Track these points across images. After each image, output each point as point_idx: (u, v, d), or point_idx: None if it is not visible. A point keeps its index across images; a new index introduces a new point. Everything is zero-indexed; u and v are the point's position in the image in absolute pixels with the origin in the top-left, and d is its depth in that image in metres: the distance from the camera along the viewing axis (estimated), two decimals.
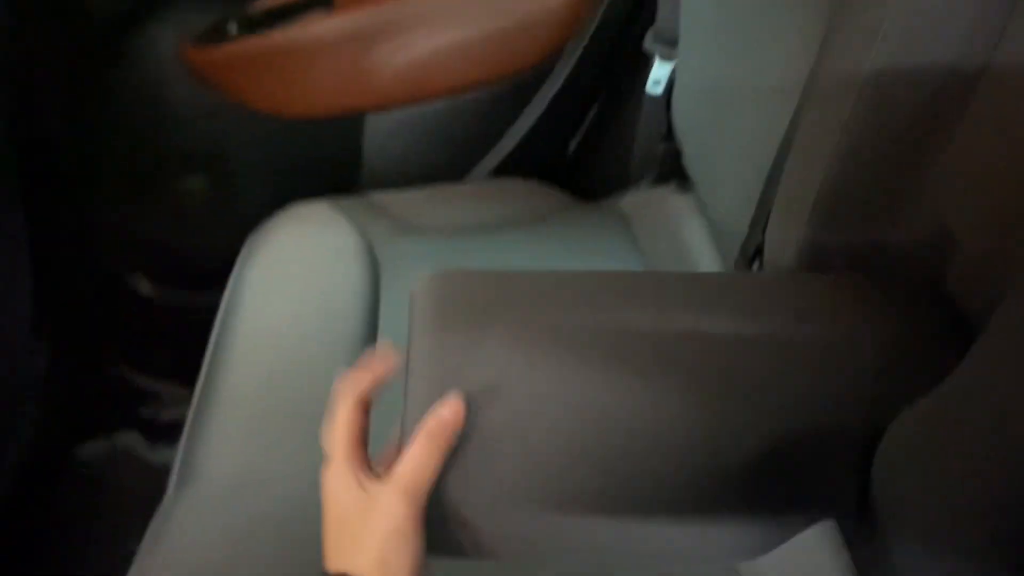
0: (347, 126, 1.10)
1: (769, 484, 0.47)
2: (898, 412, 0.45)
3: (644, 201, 0.99)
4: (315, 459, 0.73)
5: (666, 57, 0.91)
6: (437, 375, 0.46)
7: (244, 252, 0.96)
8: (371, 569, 0.42)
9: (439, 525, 0.45)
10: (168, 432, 1.32)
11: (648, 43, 0.93)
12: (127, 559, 1.11)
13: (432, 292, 0.50)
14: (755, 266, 0.62)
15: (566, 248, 0.93)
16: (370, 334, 0.85)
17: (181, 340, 1.29)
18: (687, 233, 0.91)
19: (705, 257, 0.85)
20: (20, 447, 1.08)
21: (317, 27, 1.05)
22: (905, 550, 0.45)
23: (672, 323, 0.48)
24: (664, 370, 0.47)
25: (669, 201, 0.95)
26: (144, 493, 1.29)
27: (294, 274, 0.92)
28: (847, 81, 0.50)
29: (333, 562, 0.45)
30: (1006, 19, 0.46)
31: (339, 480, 0.46)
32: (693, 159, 0.84)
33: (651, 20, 0.93)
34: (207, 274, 1.20)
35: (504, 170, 1.11)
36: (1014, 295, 0.37)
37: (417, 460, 0.43)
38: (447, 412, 0.44)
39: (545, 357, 0.46)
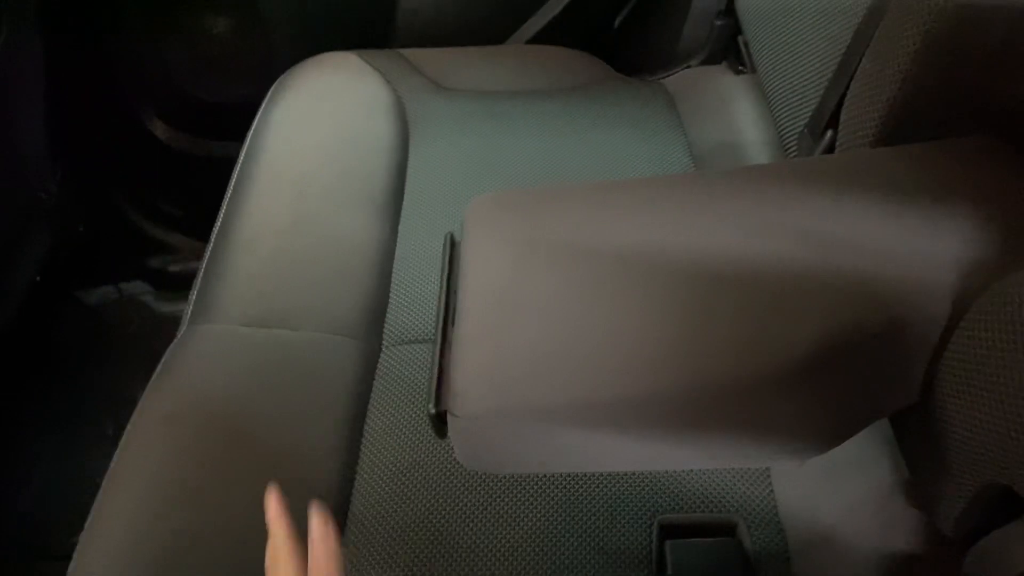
0: None
1: (830, 376, 0.44)
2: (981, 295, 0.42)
3: (692, 79, 0.94)
4: (330, 303, 0.72)
5: None
6: (487, 295, 0.45)
7: (269, 97, 0.92)
8: None
9: (480, 439, 0.42)
10: (175, 282, 1.31)
11: None
12: (129, 403, 1.11)
13: (482, 215, 0.50)
14: (827, 136, 0.58)
15: (606, 120, 0.88)
16: (396, 191, 0.82)
17: (195, 190, 1.26)
18: (736, 115, 0.86)
19: (753, 138, 0.81)
20: (29, 272, 1.06)
21: None
22: (962, 442, 0.43)
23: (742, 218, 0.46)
24: (717, 258, 0.45)
25: (720, 81, 0.90)
26: (148, 341, 1.29)
27: (319, 123, 0.88)
28: None
29: None
30: None
31: None
32: (757, 35, 0.79)
33: None
34: (225, 123, 1.16)
35: (546, 38, 1.05)
36: None
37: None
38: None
39: (588, 277, 0.45)
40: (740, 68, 0.91)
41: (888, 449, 0.57)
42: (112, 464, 0.61)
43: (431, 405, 0.43)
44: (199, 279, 0.74)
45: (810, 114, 0.63)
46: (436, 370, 0.44)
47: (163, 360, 0.68)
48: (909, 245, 0.44)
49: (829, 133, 0.58)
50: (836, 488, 0.57)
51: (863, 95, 0.53)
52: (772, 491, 0.57)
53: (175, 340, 0.70)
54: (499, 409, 0.41)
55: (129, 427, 0.62)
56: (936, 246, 0.44)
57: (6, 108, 0.94)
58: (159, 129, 1.19)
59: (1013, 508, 0.41)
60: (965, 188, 0.47)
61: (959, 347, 0.43)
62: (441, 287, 0.49)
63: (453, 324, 0.46)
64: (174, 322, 1.35)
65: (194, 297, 0.73)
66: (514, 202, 0.51)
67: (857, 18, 0.60)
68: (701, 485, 0.58)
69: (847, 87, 0.56)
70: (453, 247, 0.51)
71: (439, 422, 0.43)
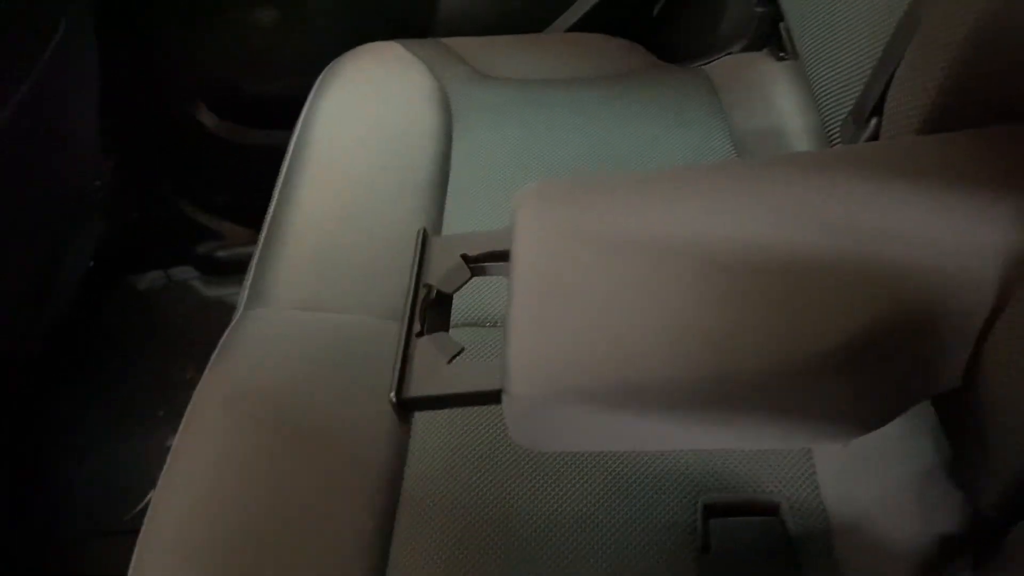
0: None
1: (874, 360, 0.45)
2: None
3: (734, 66, 0.94)
4: (378, 288, 0.74)
5: None
6: (538, 280, 0.46)
7: (317, 87, 0.94)
8: None
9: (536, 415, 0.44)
10: (222, 268, 1.34)
11: None
12: (177, 384, 1.14)
13: (531, 204, 0.51)
14: (872, 124, 0.58)
15: (647, 107, 0.89)
16: (440, 180, 0.84)
17: (242, 178, 1.29)
18: (778, 101, 0.87)
19: (795, 125, 0.82)
20: (84, 259, 1.10)
21: None
22: (1007, 425, 0.44)
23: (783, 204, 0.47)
24: (764, 243, 0.46)
25: (761, 67, 0.91)
26: (195, 325, 1.32)
27: (366, 112, 0.90)
28: None
29: None
30: None
31: None
32: (800, 21, 0.79)
33: None
34: (271, 112, 1.19)
35: (586, 26, 1.06)
36: None
37: None
38: None
39: (635, 264, 0.46)
40: (782, 55, 0.91)
41: (931, 431, 0.58)
42: (174, 443, 0.64)
43: (392, 393, 0.46)
44: (253, 265, 0.77)
45: (854, 101, 0.63)
46: (399, 359, 0.47)
47: (220, 343, 0.70)
48: (954, 233, 0.45)
49: (874, 120, 0.59)
50: (878, 470, 0.58)
51: (909, 81, 0.54)
52: (814, 472, 0.58)
53: (231, 324, 0.73)
54: (551, 389, 0.43)
55: (190, 408, 0.65)
56: (981, 233, 0.45)
57: (63, 101, 0.97)
58: (207, 119, 1.22)
59: None
60: (1011, 177, 0.47)
61: (1004, 332, 0.43)
62: (411, 280, 0.51)
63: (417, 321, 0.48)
64: (220, 307, 1.39)
65: (249, 282, 0.76)
66: (561, 191, 0.53)
67: (904, 2, 0.60)
68: (744, 466, 0.59)
69: (893, 73, 0.56)
70: (424, 242, 0.53)
71: (400, 408, 0.46)
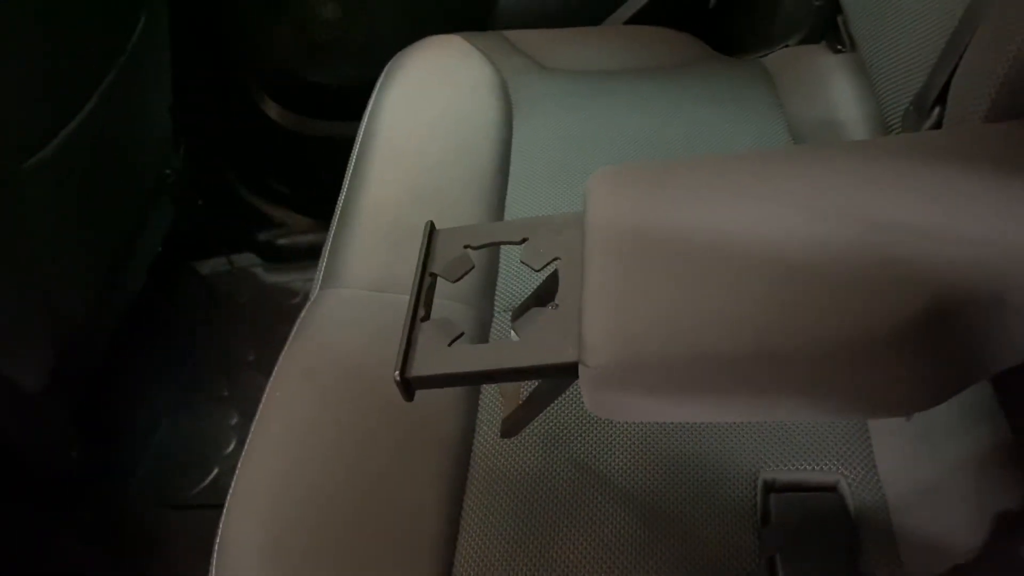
0: None
1: (941, 336, 0.47)
2: None
3: (791, 58, 0.95)
4: None
5: None
6: (612, 258, 0.49)
7: (382, 80, 0.97)
8: None
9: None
10: (283, 255, 1.38)
11: None
12: (240, 366, 1.18)
13: (604, 186, 0.53)
14: (934, 113, 0.60)
15: (705, 98, 0.91)
16: (502, 167, 0.86)
17: (304, 168, 1.33)
18: (836, 93, 0.88)
19: (854, 115, 0.83)
20: (155, 244, 1.15)
21: None
22: None
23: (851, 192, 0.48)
24: (837, 221, 0.48)
25: (818, 60, 0.92)
26: (257, 310, 1.37)
27: (430, 103, 0.93)
28: None
29: None
30: None
31: None
32: (860, 14, 0.80)
33: None
34: (333, 104, 1.23)
35: (643, 18, 1.08)
36: None
37: None
38: None
39: (706, 243, 0.49)
40: (839, 47, 0.92)
41: (988, 410, 0.59)
42: (257, 415, 0.67)
43: (396, 372, 0.48)
44: (327, 247, 0.80)
45: (916, 91, 0.64)
46: (404, 341, 0.50)
47: (299, 320, 0.74)
48: (1018, 220, 0.46)
49: (937, 109, 0.60)
50: (935, 448, 0.59)
51: (976, 68, 0.55)
52: (872, 450, 0.60)
53: (309, 302, 0.76)
54: (626, 361, 0.45)
55: (272, 381, 0.69)
56: None
57: (141, 92, 1.02)
58: (272, 110, 1.26)
59: None
60: None
61: None
62: (416, 269, 0.54)
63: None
64: (281, 292, 1.42)
65: (323, 264, 0.79)
66: (633, 174, 0.55)
67: None
68: (803, 442, 0.61)
69: (958, 62, 0.57)
70: (431, 234, 0.57)
71: (404, 387, 0.49)
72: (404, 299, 0.74)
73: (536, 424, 0.64)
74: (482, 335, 0.72)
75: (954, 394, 0.49)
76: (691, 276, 0.48)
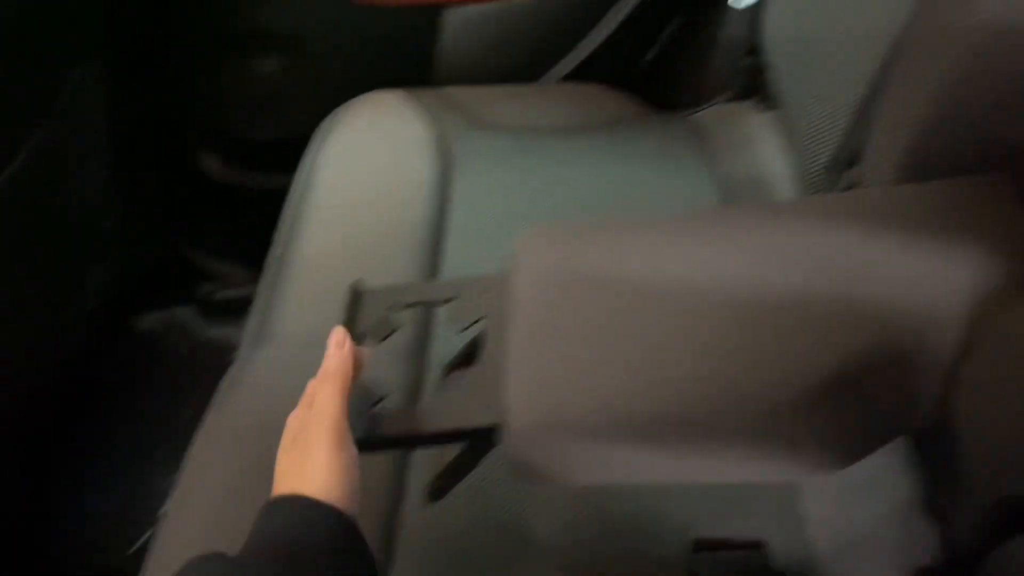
0: (425, 17, 1.09)
1: (853, 399, 0.48)
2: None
3: (721, 116, 0.98)
4: None
5: None
6: (535, 319, 0.50)
7: (319, 135, 0.97)
8: (316, 474, 0.44)
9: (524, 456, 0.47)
10: (224, 310, 1.36)
11: None
12: (176, 425, 1.15)
13: (531, 246, 0.55)
14: (850, 172, 0.62)
15: (638, 155, 0.92)
16: (439, 224, 0.87)
17: (243, 221, 1.32)
18: (763, 150, 0.90)
19: (779, 173, 0.85)
20: (87, 306, 1.12)
21: None
22: (978, 460, 0.46)
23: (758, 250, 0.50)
24: (750, 284, 0.49)
25: (747, 117, 0.94)
26: (195, 365, 1.34)
27: (367, 159, 0.93)
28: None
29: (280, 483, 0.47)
30: None
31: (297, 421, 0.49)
32: (782, 75, 0.83)
33: None
34: (273, 158, 1.22)
35: (580, 75, 1.10)
36: None
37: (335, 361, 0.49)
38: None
39: (626, 305, 0.50)
40: (767, 105, 0.94)
41: (909, 465, 0.60)
42: (179, 478, 0.65)
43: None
44: (256, 305, 0.79)
45: (833, 150, 0.66)
46: None
47: (224, 381, 0.72)
48: (926, 277, 0.48)
49: (852, 169, 0.62)
50: (860, 504, 0.60)
51: (886, 132, 0.57)
52: (800, 506, 0.60)
53: (235, 362, 0.75)
54: (547, 425, 0.45)
55: (194, 445, 0.67)
56: (951, 278, 0.48)
57: (73, 145, 1.00)
58: (210, 163, 1.25)
59: None
60: (979, 224, 0.50)
61: (972, 370, 0.46)
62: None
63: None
64: (220, 347, 1.40)
65: (251, 323, 0.78)
66: (559, 235, 0.55)
67: (882, 53, 0.63)
68: (734, 500, 0.61)
69: (870, 123, 0.59)
70: (355, 295, 0.57)
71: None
72: None
73: (466, 483, 0.64)
74: (416, 393, 0.72)
75: (872, 451, 0.50)
76: (613, 338, 0.48)
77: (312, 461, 0.45)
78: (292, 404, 0.68)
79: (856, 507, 0.60)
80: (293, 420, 0.50)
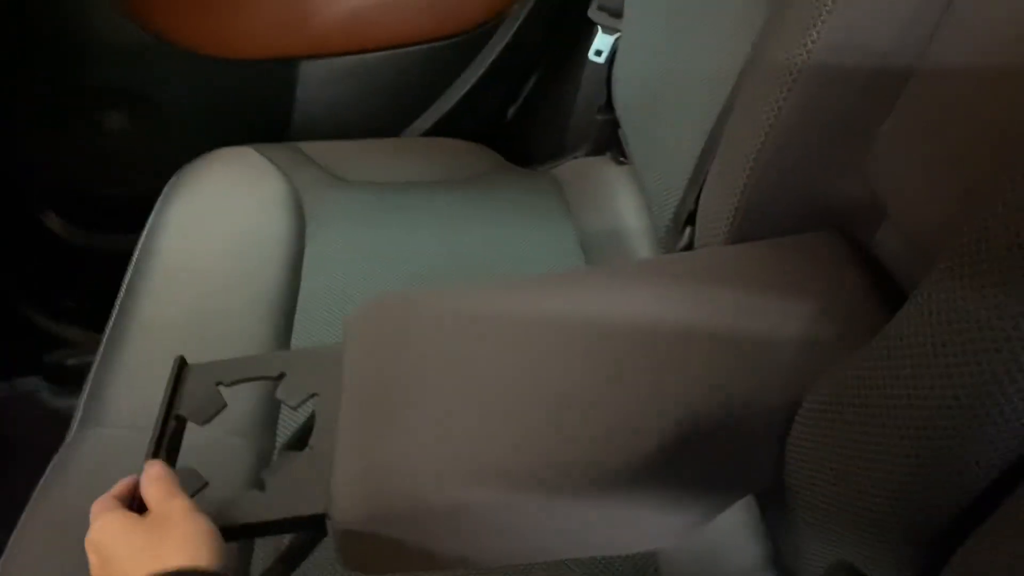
0: (280, 71, 1.07)
1: (690, 461, 0.48)
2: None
3: (578, 170, 0.99)
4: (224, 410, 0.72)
5: (610, 28, 0.91)
6: (363, 401, 0.48)
7: (165, 193, 0.93)
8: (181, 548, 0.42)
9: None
10: (72, 377, 1.28)
11: (593, 12, 0.93)
12: (17, 507, 1.06)
13: (362, 323, 0.53)
14: (686, 232, 0.62)
15: (498, 209, 0.92)
16: (292, 285, 0.84)
17: (91, 284, 1.24)
18: (620, 204, 0.91)
19: (635, 226, 0.86)
20: None
21: None
22: (812, 522, 0.47)
23: (597, 309, 0.50)
24: (585, 354, 0.49)
25: (603, 171, 0.96)
26: (44, 438, 1.25)
27: (216, 218, 0.89)
28: (784, 67, 0.51)
29: None
30: (939, 19, 0.47)
31: (116, 522, 0.46)
32: (630, 131, 0.84)
33: None
34: (122, 217, 1.16)
35: (440, 130, 1.10)
36: (926, 283, 0.38)
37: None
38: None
39: (456, 381, 0.49)
40: (621, 159, 0.96)
41: (759, 526, 0.61)
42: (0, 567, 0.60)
43: None
44: (90, 381, 0.74)
45: (675, 207, 0.67)
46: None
47: (51, 464, 0.67)
48: (753, 337, 0.48)
49: (689, 229, 0.63)
50: (716, 566, 0.60)
51: (716, 195, 0.58)
52: (658, 570, 0.60)
53: (64, 444, 0.69)
54: (373, 515, 0.43)
55: (14, 535, 0.61)
56: (778, 337, 0.49)
57: None
58: (55, 223, 1.18)
59: None
60: (805, 282, 0.52)
61: (800, 431, 0.46)
62: (160, 411, 0.52)
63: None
64: (68, 418, 1.31)
65: (84, 400, 0.73)
66: (396, 308, 0.54)
67: (711, 122, 0.65)
68: (591, 565, 0.60)
69: (702, 187, 0.60)
70: (180, 370, 0.54)
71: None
72: None
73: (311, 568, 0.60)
74: (260, 471, 0.68)
75: (715, 515, 0.50)
76: (444, 420, 0.47)
77: (170, 539, 0.43)
78: None
79: (713, 568, 0.60)
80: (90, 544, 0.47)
